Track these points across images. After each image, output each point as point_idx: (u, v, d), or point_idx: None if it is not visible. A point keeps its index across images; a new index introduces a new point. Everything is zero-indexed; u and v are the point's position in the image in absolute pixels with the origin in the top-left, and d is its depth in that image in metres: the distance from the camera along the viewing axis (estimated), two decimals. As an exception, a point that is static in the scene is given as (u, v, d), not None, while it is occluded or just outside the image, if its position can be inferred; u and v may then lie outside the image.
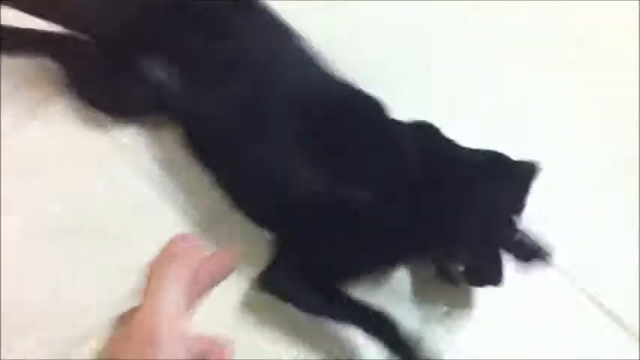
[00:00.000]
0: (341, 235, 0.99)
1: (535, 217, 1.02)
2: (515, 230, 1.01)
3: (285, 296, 1.01)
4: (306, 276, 1.00)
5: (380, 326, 0.99)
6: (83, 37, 1.14)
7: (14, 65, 1.20)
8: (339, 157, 1.01)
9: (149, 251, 0.55)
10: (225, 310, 1.06)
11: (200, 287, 0.52)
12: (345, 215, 0.98)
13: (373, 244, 0.99)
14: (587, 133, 1.27)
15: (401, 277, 1.10)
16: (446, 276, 1.08)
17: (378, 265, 1.07)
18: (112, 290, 0.98)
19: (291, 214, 1.01)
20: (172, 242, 0.53)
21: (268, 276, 1.01)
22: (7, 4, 1.11)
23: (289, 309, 1.01)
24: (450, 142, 1.04)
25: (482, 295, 1.09)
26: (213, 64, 1.08)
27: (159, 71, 1.10)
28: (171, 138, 1.17)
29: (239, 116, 1.04)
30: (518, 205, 1.01)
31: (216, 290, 0.56)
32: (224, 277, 0.54)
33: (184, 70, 1.09)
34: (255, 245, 1.06)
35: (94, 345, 0.89)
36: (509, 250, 1.00)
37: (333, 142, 1.02)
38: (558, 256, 1.02)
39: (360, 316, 1.00)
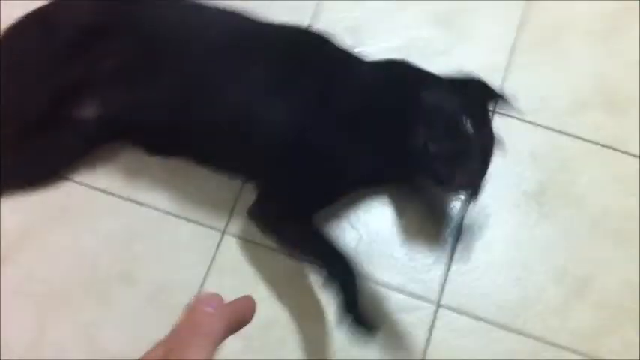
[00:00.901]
0: (309, 168, 1.10)
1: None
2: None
3: (267, 227, 1.14)
4: (285, 208, 1.12)
5: (342, 271, 1.06)
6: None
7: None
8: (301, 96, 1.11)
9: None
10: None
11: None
12: (311, 151, 1.09)
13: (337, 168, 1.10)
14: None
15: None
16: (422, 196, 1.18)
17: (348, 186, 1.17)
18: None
19: (268, 157, 1.12)
20: (194, 310, 0.48)
21: (253, 208, 1.16)
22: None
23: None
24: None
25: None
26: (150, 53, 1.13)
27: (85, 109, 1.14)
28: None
29: (196, 80, 1.11)
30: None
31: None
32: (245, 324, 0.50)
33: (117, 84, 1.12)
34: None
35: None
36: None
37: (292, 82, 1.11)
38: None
39: (328, 255, 1.08)
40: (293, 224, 1.13)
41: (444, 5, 1.42)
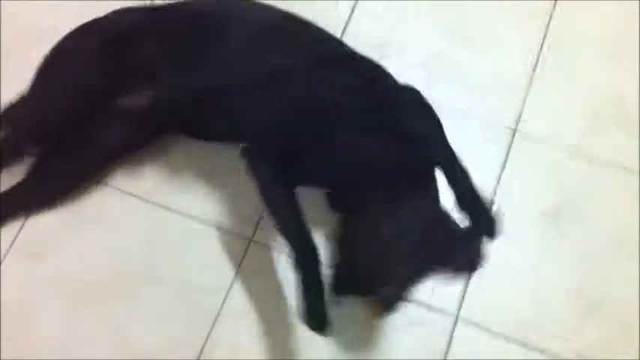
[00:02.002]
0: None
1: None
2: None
3: (256, 172, 1.18)
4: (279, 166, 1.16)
5: (305, 258, 1.11)
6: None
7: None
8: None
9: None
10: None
11: None
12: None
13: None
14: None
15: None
16: None
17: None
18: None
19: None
20: None
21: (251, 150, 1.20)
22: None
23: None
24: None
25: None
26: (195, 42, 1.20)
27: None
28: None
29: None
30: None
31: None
32: None
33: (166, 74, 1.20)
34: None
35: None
36: None
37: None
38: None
39: (294, 234, 1.13)
40: (279, 185, 1.17)
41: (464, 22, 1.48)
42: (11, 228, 1.26)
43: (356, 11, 1.46)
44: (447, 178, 1.15)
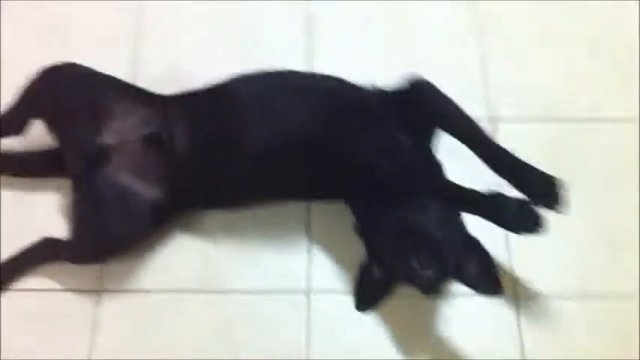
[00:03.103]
0: None
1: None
2: None
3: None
4: None
5: None
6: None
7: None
8: None
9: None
10: None
11: None
12: None
13: None
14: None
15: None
16: None
17: None
18: None
19: None
20: None
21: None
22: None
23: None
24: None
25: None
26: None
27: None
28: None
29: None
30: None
31: None
32: None
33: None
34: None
35: None
36: None
37: None
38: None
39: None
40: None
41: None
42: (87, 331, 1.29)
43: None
44: (482, 154, 1.19)
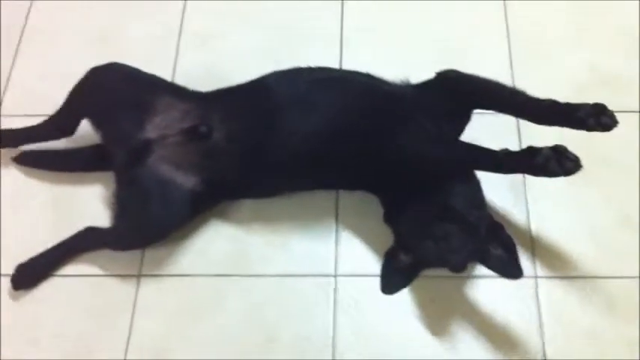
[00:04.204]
0: None
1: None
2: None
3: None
4: None
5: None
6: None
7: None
8: None
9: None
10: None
11: None
12: None
13: None
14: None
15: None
16: None
17: None
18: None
19: None
20: None
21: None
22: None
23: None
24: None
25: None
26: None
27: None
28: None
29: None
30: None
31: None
32: None
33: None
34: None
35: None
36: None
37: None
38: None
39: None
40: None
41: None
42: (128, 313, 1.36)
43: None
44: (530, 114, 1.24)
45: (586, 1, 1.71)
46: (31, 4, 1.77)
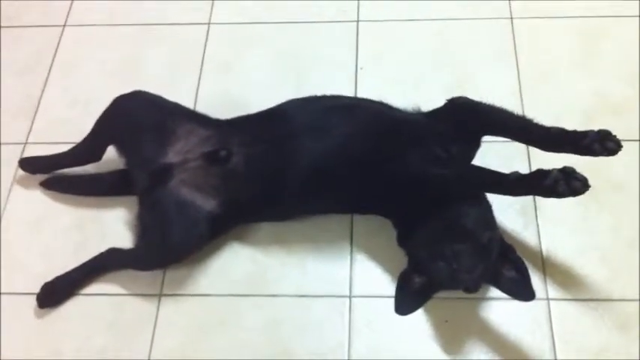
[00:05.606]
0: None
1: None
2: None
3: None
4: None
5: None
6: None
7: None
8: None
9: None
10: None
11: None
12: None
13: None
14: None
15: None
16: None
17: None
18: None
19: None
20: None
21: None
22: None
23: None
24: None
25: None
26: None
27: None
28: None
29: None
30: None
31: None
32: None
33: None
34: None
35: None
36: None
37: None
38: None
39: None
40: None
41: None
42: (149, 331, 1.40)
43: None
44: (537, 142, 1.28)
45: (594, 28, 1.75)
46: (61, 35, 1.86)
